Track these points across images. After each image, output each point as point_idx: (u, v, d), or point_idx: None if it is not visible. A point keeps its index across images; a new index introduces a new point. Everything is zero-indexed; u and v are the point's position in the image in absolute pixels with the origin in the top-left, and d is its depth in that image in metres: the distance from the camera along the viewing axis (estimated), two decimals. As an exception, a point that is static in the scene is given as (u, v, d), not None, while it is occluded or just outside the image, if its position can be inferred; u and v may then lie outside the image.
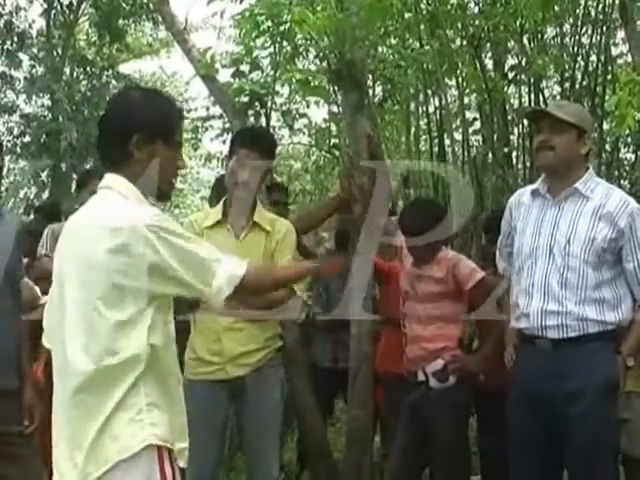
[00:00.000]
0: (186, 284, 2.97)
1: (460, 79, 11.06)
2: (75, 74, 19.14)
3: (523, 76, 10.63)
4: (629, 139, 11.34)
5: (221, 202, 4.92)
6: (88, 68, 18.81)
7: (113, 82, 18.99)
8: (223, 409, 4.83)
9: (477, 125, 11.17)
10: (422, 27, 9.56)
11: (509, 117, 10.63)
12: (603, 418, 4.28)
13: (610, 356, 4.31)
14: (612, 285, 4.32)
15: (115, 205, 3.02)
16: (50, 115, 17.84)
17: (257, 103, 7.77)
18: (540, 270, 4.35)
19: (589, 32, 10.39)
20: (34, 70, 18.35)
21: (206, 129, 10.69)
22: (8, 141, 18.46)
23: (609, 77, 10.23)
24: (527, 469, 4.43)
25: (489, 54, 10.78)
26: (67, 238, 3.13)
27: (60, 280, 3.09)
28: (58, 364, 3.08)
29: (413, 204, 6.08)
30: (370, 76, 10.23)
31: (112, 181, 3.10)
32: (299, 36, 6.98)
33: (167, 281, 2.94)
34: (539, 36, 10.63)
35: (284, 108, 10.14)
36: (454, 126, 11.28)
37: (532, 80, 10.56)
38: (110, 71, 19.02)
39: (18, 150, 18.84)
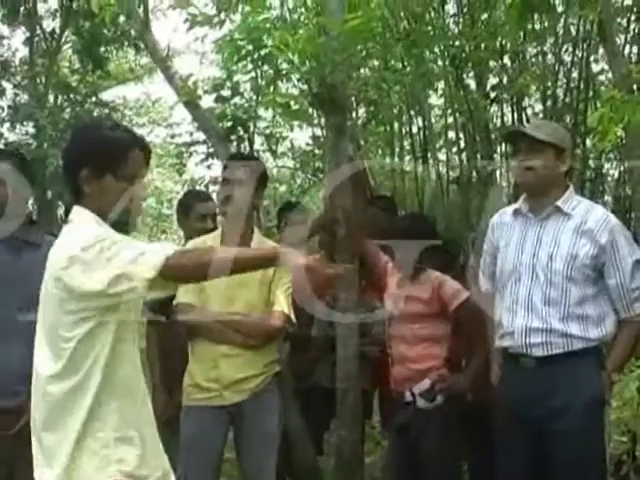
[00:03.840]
0: (126, 294, 2.99)
1: (443, 99, 11.11)
2: (59, 101, 19.10)
3: (505, 95, 10.66)
4: (612, 155, 11.39)
5: (219, 229, 4.96)
6: (71, 95, 18.77)
7: (96, 109, 18.97)
8: (220, 435, 4.85)
9: (461, 144, 11.20)
10: (403, 48, 9.57)
11: (492, 136, 10.64)
12: (590, 434, 4.34)
13: (595, 372, 4.37)
14: (595, 301, 4.37)
15: (67, 237, 3.14)
16: (35, 143, 17.78)
17: (240, 128, 7.77)
18: (523, 288, 4.39)
19: (570, 49, 10.44)
20: (18, 98, 18.31)
21: (190, 154, 10.68)
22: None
23: (591, 94, 10.27)
24: None
25: (471, 74, 10.81)
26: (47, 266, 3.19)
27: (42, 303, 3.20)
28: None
29: (405, 216, 6.12)
30: (353, 98, 10.25)
31: (74, 212, 3.21)
32: (280, 60, 6.99)
33: (101, 298, 3.00)
34: (520, 55, 10.67)
35: (267, 132, 10.16)
36: (438, 146, 11.32)
37: (514, 99, 10.60)
38: (93, 98, 18.97)
39: (4, 178, 18.71)
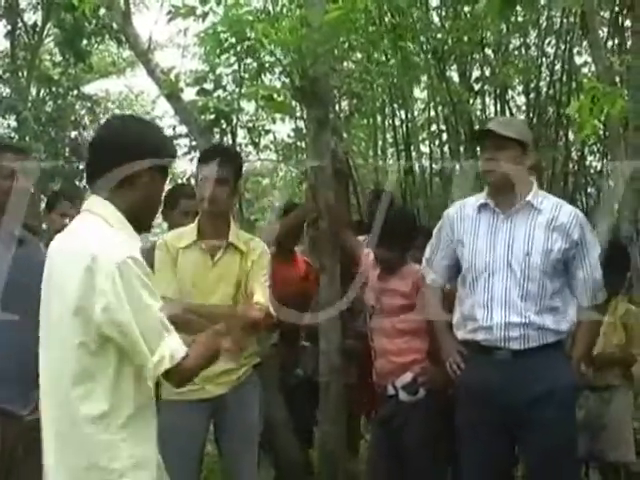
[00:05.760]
0: (131, 340, 2.86)
1: (426, 92, 11.12)
2: (41, 95, 19.05)
3: (488, 87, 10.69)
4: (595, 147, 11.44)
5: (195, 222, 4.90)
6: (54, 89, 18.72)
7: (79, 102, 18.96)
8: (201, 428, 4.82)
9: (444, 137, 11.22)
10: (386, 41, 9.58)
11: (475, 128, 10.65)
12: (569, 422, 4.47)
13: (567, 363, 4.52)
14: (562, 294, 4.48)
15: (94, 234, 2.96)
16: (17, 136, 17.71)
17: (223, 121, 7.75)
18: (498, 283, 4.43)
19: (553, 42, 10.47)
20: (-1, 91, 18.29)
21: (173, 147, 10.62)
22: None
23: (574, 86, 10.30)
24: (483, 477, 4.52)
25: (453, 67, 10.83)
26: (51, 264, 3.07)
27: (46, 302, 3.06)
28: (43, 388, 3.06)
29: (387, 213, 6.12)
30: (336, 91, 10.25)
31: (97, 206, 3.05)
32: (263, 52, 6.97)
33: (115, 327, 2.85)
34: (503, 47, 10.69)
35: (250, 125, 10.14)
36: (421, 138, 11.33)
37: (497, 91, 10.63)
38: (75, 91, 18.93)
39: (-14, 171, 18.61)
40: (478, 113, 11.06)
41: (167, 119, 10.32)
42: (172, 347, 2.93)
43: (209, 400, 4.74)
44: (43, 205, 6.58)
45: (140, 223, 3.15)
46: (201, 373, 4.51)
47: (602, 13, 9.54)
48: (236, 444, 4.83)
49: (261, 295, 4.66)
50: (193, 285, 4.71)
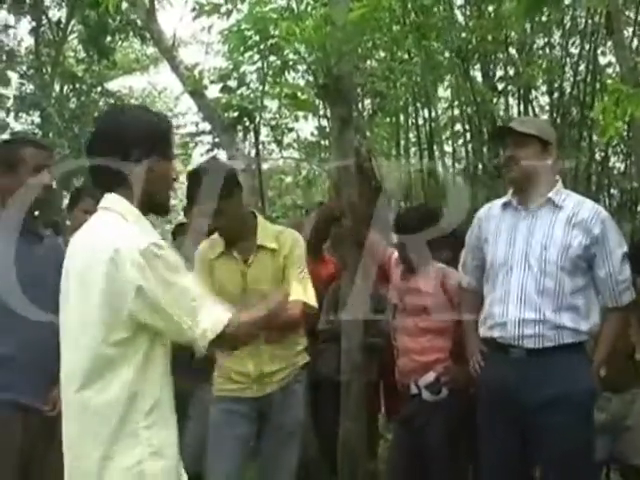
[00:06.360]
0: (170, 321, 2.89)
1: (450, 91, 11.09)
2: (64, 91, 19.07)
3: (512, 87, 10.65)
4: (619, 148, 11.37)
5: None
6: (77, 85, 18.73)
7: (102, 99, 18.96)
8: (246, 425, 4.82)
9: (467, 137, 11.19)
10: (410, 40, 9.57)
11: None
12: (584, 427, 4.40)
13: (586, 366, 4.44)
14: (584, 293, 4.43)
15: (112, 228, 2.96)
16: (41, 132, 17.74)
17: (246, 118, 7.76)
18: (516, 278, 4.42)
19: (577, 42, 10.42)
20: (23, 88, 18.28)
21: (196, 144, 10.65)
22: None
23: (598, 87, 10.25)
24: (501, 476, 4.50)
25: (477, 66, 10.80)
26: (70, 260, 3.07)
27: (65, 300, 3.06)
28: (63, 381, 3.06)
29: (411, 207, 6.12)
30: (360, 89, 10.25)
31: (112, 202, 3.06)
32: (287, 50, 6.97)
33: (151, 312, 2.86)
34: (527, 47, 10.65)
35: (273, 123, 10.14)
36: (444, 138, 11.30)
37: (521, 91, 10.59)
38: (99, 88, 18.95)
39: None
40: (501, 113, 11.02)
41: (190, 116, 10.34)
42: (212, 318, 2.97)
43: (256, 399, 4.75)
44: (66, 201, 6.59)
45: (156, 211, 3.19)
46: (249, 373, 4.56)
47: (627, 13, 9.49)
48: (276, 444, 4.84)
49: (299, 291, 4.61)
50: (231, 292, 4.68)
